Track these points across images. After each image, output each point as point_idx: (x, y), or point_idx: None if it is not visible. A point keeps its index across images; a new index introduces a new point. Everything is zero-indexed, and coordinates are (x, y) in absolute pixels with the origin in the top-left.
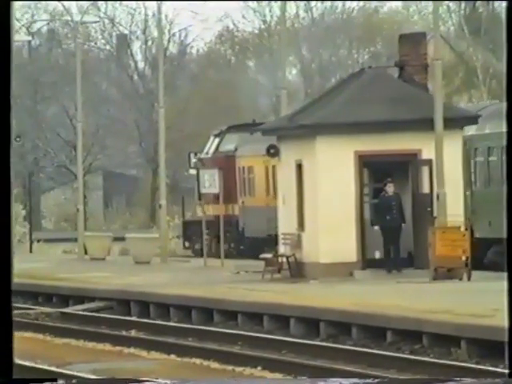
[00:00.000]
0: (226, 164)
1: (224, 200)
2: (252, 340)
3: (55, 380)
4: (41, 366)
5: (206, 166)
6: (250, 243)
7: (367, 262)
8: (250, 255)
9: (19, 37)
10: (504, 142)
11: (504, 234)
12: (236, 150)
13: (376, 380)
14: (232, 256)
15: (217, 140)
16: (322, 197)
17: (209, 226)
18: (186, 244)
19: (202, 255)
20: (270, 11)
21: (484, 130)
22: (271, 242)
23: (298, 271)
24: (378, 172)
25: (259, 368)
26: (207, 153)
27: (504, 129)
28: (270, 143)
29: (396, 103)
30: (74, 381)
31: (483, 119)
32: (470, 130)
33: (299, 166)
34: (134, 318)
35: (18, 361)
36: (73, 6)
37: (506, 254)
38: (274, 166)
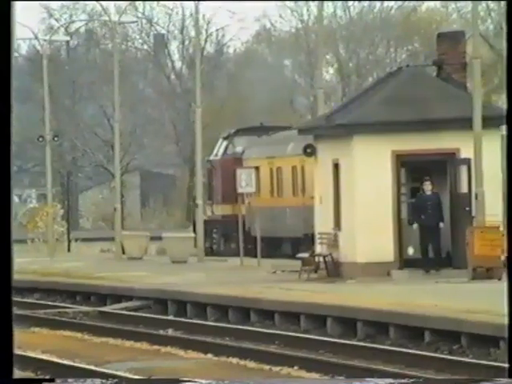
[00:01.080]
0: (234, 166)
1: (232, 200)
2: (289, 339)
3: (53, 380)
4: (79, 365)
5: (215, 167)
6: (256, 242)
7: (405, 262)
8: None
9: (57, 37)
10: None
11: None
12: (243, 152)
13: (411, 380)
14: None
15: (225, 142)
16: (358, 196)
17: (217, 226)
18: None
19: (211, 254)
20: (308, 10)
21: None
22: (276, 241)
23: (334, 271)
24: (415, 171)
25: (296, 368)
26: (216, 155)
27: None
28: (307, 143)
29: (434, 102)
30: (109, 381)
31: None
32: None
33: (336, 166)
34: (171, 317)
35: (56, 359)
36: (111, 6)
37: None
38: (277, 168)
